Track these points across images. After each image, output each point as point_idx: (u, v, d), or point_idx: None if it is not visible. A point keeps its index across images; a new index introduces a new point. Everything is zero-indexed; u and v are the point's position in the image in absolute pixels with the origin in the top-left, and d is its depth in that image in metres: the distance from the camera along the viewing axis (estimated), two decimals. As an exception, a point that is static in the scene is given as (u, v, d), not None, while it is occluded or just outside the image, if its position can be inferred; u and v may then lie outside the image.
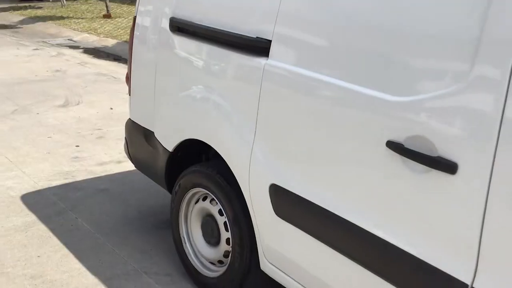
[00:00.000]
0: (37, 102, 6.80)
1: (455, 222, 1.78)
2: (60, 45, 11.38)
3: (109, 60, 9.79)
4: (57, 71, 8.72)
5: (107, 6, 14.09)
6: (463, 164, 1.73)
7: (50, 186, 4.38)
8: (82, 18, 14.43)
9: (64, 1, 16.66)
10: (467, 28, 1.73)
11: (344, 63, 2.14)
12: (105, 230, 3.73)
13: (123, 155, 4.66)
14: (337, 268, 2.25)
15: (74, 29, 13.09)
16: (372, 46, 2.04)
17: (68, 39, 12.12)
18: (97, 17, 14.26)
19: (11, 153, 5.04)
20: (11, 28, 13.38)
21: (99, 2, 16.35)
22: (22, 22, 14.22)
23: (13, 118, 6.14)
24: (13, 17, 15.20)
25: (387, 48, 1.98)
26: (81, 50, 10.87)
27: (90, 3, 17.17)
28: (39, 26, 13.71)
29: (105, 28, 12.76)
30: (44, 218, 3.84)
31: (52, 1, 18.05)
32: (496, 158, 1.65)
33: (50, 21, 14.15)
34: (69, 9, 16.16)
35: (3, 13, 15.83)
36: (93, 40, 11.70)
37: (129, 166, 4.58)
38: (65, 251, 3.45)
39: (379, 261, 2.05)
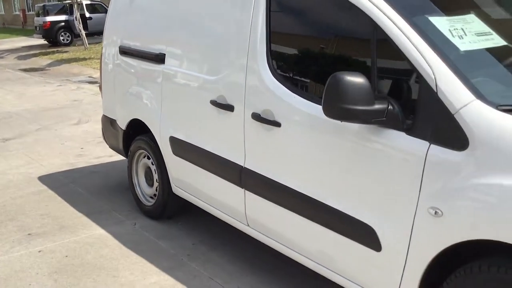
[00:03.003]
0: (56, 123, 8.74)
1: (233, 137, 3.51)
2: (80, 81, 13.43)
3: (119, 90, 11.71)
4: (75, 100, 10.70)
5: (122, 47, 16.07)
6: (236, 106, 3.47)
7: (59, 171, 6.22)
8: (101, 58, 16.49)
9: (87, 45, 18.85)
10: (238, 43, 3.50)
11: (193, 62, 3.92)
12: (93, 192, 5.51)
13: (114, 152, 6.46)
14: (207, 180, 3.94)
15: (94, 68, 15.16)
16: (202, 53, 3.83)
17: (88, 76, 14.18)
18: (114, 57, 16.23)
19: (33, 154, 6.92)
20: (40, 70, 15.56)
21: (117, 43, 18.40)
22: (49, 64, 16.42)
23: (37, 133, 8.07)
24: (42, 61, 17.44)
25: (209, 53, 3.76)
26: (98, 84, 12.85)
27: (110, 45, 19.27)
28: (64, 67, 15.86)
29: (119, 65, 14.72)
30: (52, 187, 5.67)
31: (77, 45, 20.33)
32: (245, 103, 3.38)
33: (74, 63, 16.30)
34: (91, 51, 18.35)
35: (34, 58, 18.12)
36: (108, 76, 13.65)
37: (117, 158, 6.41)
38: (64, 203, 5.24)
39: (216, 168, 3.78)
